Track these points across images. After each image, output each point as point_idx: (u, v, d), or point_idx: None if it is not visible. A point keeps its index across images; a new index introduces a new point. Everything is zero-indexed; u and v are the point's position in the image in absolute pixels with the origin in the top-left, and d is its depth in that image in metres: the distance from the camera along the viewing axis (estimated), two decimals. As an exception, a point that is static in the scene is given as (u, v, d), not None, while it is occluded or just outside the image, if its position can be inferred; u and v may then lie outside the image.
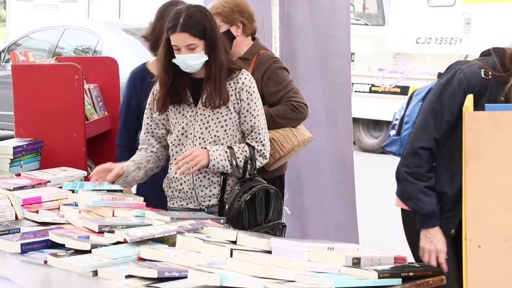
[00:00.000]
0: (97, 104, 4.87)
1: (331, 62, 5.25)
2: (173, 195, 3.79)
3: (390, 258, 2.87)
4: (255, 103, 3.74)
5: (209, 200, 3.73)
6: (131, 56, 10.12)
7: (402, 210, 3.52)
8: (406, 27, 11.95)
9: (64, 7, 15.25)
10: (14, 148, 4.21)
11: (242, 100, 3.71)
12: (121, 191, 3.88)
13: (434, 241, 3.33)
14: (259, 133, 3.75)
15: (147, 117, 3.83)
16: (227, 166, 3.65)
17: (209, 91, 3.67)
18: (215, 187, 3.72)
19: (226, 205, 3.66)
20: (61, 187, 3.96)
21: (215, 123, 3.70)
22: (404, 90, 11.61)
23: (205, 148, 3.65)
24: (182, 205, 3.77)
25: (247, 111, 3.72)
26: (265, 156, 3.77)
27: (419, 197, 3.32)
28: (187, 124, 3.71)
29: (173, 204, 3.81)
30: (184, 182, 3.73)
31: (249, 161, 3.69)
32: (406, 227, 3.53)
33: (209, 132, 3.69)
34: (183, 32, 3.60)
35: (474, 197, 2.54)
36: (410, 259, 2.99)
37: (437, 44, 11.62)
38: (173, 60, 3.65)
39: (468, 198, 2.52)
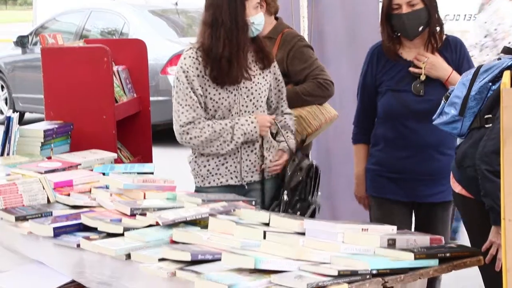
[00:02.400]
0: (126, 86, 4.85)
1: (360, 40, 5.19)
2: (209, 173, 3.78)
3: (426, 239, 2.84)
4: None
5: (252, 176, 3.78)
6: (158, 37, 10.11)
7: (461, 196, 3.45)
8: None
9: (90, -11, 15.26)
10: (45, 131, 4.21)
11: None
12: (151, 173, 3.87)
13: None
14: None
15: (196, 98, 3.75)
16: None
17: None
18: (259, 163, 3.79)
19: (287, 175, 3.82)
20: (92, 170, 3.96)
21: (258, 93, 3.82)
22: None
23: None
24: (221, 182, 3.79)
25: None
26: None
27: (499, 196, 3.22)
28: (232, 98, 3.76)
29: (208, 183, 3.80)
30: (229, 155, 3.76)
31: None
32: (467, 214, 3.46)
33: (253, 104, 3.80)
34: None
35: (512, 176, 2.49)
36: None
37: (466, 20, 11.49)
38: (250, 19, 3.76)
39: (506, 177, 2.47)
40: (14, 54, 12.10)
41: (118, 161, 4.37)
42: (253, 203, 3.38)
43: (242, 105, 3.77)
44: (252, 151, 3.79)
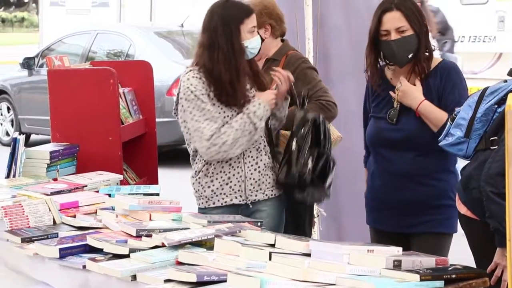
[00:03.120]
0: (132, 107, 4.87)
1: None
2: (213, 193, 3.80)
3: (432, 260, 2.83)
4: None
5: (256, 195, 3.80)
6: (163, 59, 10.15)
7: (467, 218, 3.45)
8: (439, 25, 11.85)
9: (96, 11, 15.34)
10: (51, 152, 4.23)
11: None
12: (157, 194, 3.88)
13: None
14: None
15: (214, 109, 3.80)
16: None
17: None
18: (263, 182, 3.82)
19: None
20: (97, 191, 3.96)
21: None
22: (437, 89, 11.52)
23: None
24: (225, 202, 3.81)
25: None
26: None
27: (504, 218, 3.21)
28: (233, 116, 3.77)
29: (213, 203, 3.83)
30: (233, 175, 3.78)
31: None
32: (472, 236, 3.46)
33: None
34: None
35: (517, 198, 2.49)
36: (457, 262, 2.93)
37: (471, 42, 11.52)
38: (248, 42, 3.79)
39: (511, 199, 2.47)
40: (20, 76, 12.15)
41: (124, 182, 4.37)
42: (259, 224, 3.39)
43: None
44: (255, 169, 3.81)
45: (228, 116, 3.76)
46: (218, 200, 3.83)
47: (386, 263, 2.71)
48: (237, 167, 3.81)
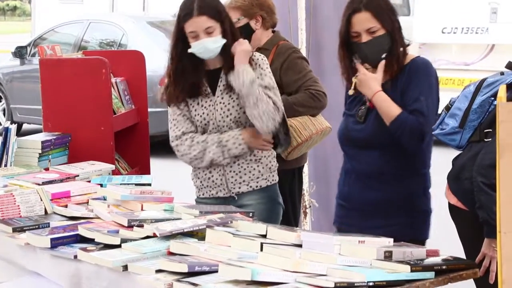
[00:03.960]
0: (124, 97, 4.87)
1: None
2: (202, 185, 3.81)
3: (422, 251, 2.84)
4: (267, 76, 3.75)
5: (239, 188, 3.77)
6: (156, 49, 10.13)
7: (457, 208, 3.45)
8: (431, 17, 11.85)
9: (88, 0, 15.31)
10: (43, 142, 4.23)
11: (257, 77, 3.72)
12: (149, 184, 3.88)
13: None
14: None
15: (179, 112, 3.81)
16: None
17: (228, 79, 3.70)
18: (245, 174, 3.77)
19: None
20: (89, 181, 3.96)
21: (235, 109, 3.74)
22: (430, 81, 11.51)
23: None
24: (212, 194, 3.82)
25: (264, 87, 3.72)
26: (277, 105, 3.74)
27: (493, 209, 3.22)
28: (207, 114, 3.74)
29: (203, 194, 3.85)
30: (214, 169, 3.76)
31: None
32: (461, 226, 3.46)
33: (230, 119, 3.74)
34: (201, 16, 3.61)
35: (508, 189, 2.50)
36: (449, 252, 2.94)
37: (463, 33, 11.51)
38: (190, 50, 3.65)
39: (501, 190, 2.48)
40: (12, 65, 12.12)
41: (116, 172, 4.37)
42: (250, 214, 3.39)
43: (219, 120, 3.75)
44: (234, 162, 3.77)
45: (199, 114, 3.76)
46: (206, 192, 3.84)
47: (377, 254, 2.72)
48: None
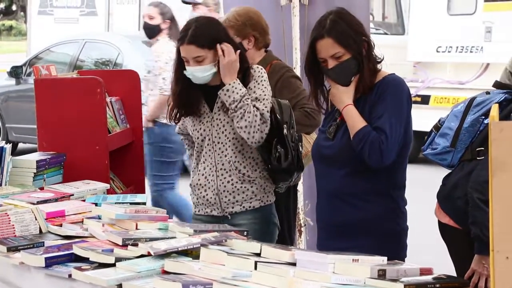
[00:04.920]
0: (119, 117, 4.88)
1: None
2: (198, 202, 3.85)
3: (416, 269, 2.84)
4: (259, 88, 3.75)
5: (232, 207, 3.79)
6: (152, 68, 10.15)
7: (448, 226, 3.45)
8: (426, 36, 11.90)
9: (84, 20, 15.32)
10: (38, 162, 4.23)
11: (250, 89, 3.75)
12: (144, 203, 3.88)
13: (488, 267, 3.24)
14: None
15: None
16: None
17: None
18: (238, 194, 3.78)
19: None
20: (84, 200, 3.97)
21: (231, 126, 3.76)
22: (424, 99, 11.54)
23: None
24: (206, 212, 3.87)
25: (255, 98, 3.74)
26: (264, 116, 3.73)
27: (487, 226, 3.22)
28: (204, 130, 3.79)
29: (198, 211, 3.90)
30: (209, 188, 3.80)
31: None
32: (453, 245, 3.46)
33: (226, 136, 3.76)
34: (190, 44, 3.64)
35: (501, 208, 2.51)
36: (440, 269, 2.95)
37: (458, 52, 11.56)
38: (185, 72, 3.69)
39: (494, 209, 2.49)
40: (8, 84, 12.14)
41: (110, 191, 4.38)
42: (245, 233, 3.39)
43: (215, 137, 3.79)
44: (228, 182, 3.80)
45: (197, 130, 3.85)
46: (201, 209, 3.88)
47: (371, 273, 2.72)
48: (211, 180, 3.82)
